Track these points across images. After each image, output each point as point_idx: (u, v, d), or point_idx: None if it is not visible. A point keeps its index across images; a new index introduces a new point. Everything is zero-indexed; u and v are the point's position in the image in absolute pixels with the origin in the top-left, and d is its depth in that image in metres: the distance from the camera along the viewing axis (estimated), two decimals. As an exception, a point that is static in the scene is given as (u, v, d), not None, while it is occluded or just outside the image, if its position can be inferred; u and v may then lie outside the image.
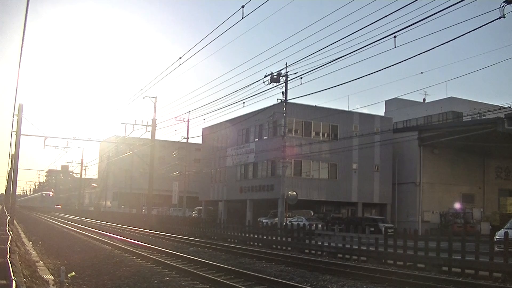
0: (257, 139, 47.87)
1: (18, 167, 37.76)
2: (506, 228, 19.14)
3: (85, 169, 77.27)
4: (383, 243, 18.22)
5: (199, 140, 60.21)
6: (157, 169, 47.44)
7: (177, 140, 53.02)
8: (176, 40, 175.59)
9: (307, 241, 22.29)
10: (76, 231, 31.09)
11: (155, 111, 40.24)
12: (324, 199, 46.11)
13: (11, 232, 19.90)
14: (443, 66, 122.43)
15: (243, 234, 27.31)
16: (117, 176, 79.58)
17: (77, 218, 62.06)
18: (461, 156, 47.19)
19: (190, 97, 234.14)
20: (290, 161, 40.62)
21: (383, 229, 31.89)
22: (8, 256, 10.59)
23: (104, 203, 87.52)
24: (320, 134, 46.30)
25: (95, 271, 13.13)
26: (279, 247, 23.41)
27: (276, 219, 35.55)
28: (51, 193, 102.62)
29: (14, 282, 7.21)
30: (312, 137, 45.24)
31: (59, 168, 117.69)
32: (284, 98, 31.71)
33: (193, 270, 13.19)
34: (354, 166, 46.67)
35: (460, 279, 13.49)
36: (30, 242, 22.80)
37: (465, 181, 48.19)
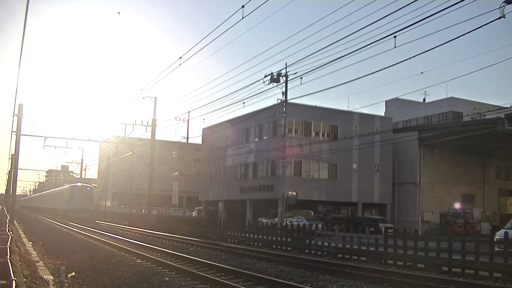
0: (257, 139, 47.88)
1: (18, 167, 37.85)
2: (506, 228, 19.16)
3: (85, 169, 77.29)
4: (383, 243, 18.23)
5: (199, 140, 60.26)
6: (157, 169, 47.43)
7: (177, 140, 53.02)
8: (176, 40, 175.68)
9: (307, 241, 22.27)
10: (76, 231, 31.08)
11: (155, 111, 40.25)
12: (324, 199, 46.10)
13: (11, 232, 19.90)
14: (443, 66, 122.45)
15: (243, 234, 27.29)
16: (117, 176, 79.55)
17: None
18: (461, 156, 47.19)
19: (190, 97, 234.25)
20: (290, 161, 40.62)
21: (383, 229, 31.89)
22: (8, 256, 10.59)
23: (104, 203, 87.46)
24: (320, 134, 46.30)
25: (95, 271, 13.13)
26: (279, 247, 23.40)
27: (276, 219, 35.54)
28: (88, 186, 59.37)
29: (14, 282, 7.21)
30: (312, 137, 45.24)
31: (59, 168, 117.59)
32: (284, 98, 31.71)
33: (193, 270, 13.18)
34: (354, 166, 46.67)
35: (460, 279, 13.49)
36: (30, 242, 22.81)
37: (465, 181, 48.19)
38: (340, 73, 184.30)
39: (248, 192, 47.91)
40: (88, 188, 57.08)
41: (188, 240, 26.16)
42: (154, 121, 40.15)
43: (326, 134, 46.57)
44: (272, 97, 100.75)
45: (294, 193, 35.25)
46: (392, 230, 25.85)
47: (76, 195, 54.72)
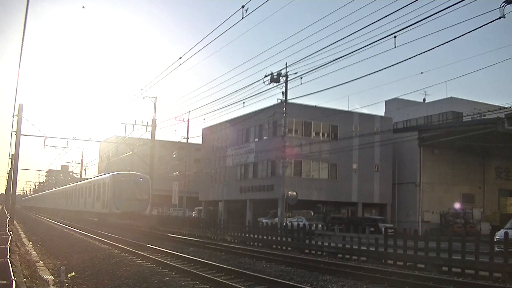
0: (257, 139, 47.89)
1: (18, 167, 37.85)
2: (506, 228, 19.17)
3: (85, 169, 77.13)
4: (383, 243, 18.22)
5: (199, 140, 60.29)
6: (157, 169, 47.41)
7: (177, 140, 53.05)
8: (176, 40, 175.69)
9: (307, 241, 22.28)
10: (76, 231, 31.07)
11: (155, 111, 40.23)
12: (324, 199, 46.12)
13: (11, 232, 19.90)
14: (443, 66, 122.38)
15: (243, 234, 27.29)
16: (117, 176, 79.27)
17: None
18: (461, 156, 47.22)
19: (190, 97, 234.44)
20: (290, 161, 40.64)
21: (383, 229, 31.93)
22: (8, 256, 10.58)
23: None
24: (320, 134, 46.32)
25: (95, 271, 13.12)
26: (279, 247, 23.39)
27: (276, 219, 35.55)
28: (140, 175, 38.83)
29: (14, 282, 7.21)
30: (312, 137, 45.26)
31: (59, 168, 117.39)
32: (284, 98, 31.74)
33: (193, 270, 13.18)
34: (354, 166, 46.69)
35: (460, 279, 13.49)
36: (30, 242, 22.79)
37: (465, 181, 48.21)
38: (340, 73, 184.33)
39: (248, 192, 47.91)
40: (141, 179, 37.19)
41: (188, 240, 26.15)
42: (154, 121, 40.16)
43: (326, 134, 46.61)
44: (272, 97, 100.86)
45: (294, 193, 35.26)
46: (392, 230, 25.88)
47: (123, 190, 35.27)
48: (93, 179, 46.34)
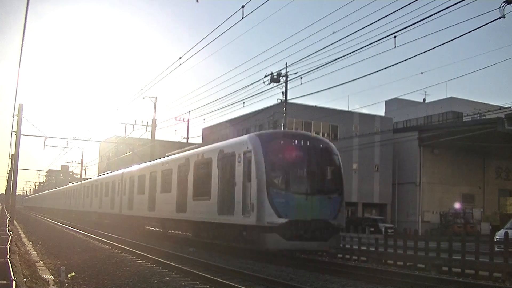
0: (257, 139, 47.86)
1: (18, 167, 37.85)
2: (506, 228, 19.16)
3: (85, 169, 77.13)
4: (383, 243, 18.24)
5: (199, 140, 60.18)
6: (157, 169, 47.18)
7: (177, 140, 53.01)
8: (176, 40, 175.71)
9: (307, 241, 22.22)
10: (76, 231, 31.07)
11: (155, 111, 40.23)
12: (324, 199, 46.06)
13: (11, 232, 19.89)
14: (443, 66, 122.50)
15: (243, 234, 27.24)
16: (117, 176, 79.03)
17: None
18: (461, 156, 47.23)
19: (190, 97, 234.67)
20: (290, 161, 40.59)
21: (383, 229, 31.94)
22: (8, 256, 10.59)
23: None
24: (320, 134, 46.28)
25: (95, 271, 13.12)
26: (279, 247, 23.34)
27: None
28: (322, 140, 18.31)
29: (14, 282, 7.21)
30: (312, 137, 45.24)
31: (59, 168, 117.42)
32: (284, 98, 31.75)
33: (193, 270, 13.16)
34: (354, 166, 46.68)
35: (460, 279, 13.49)
36: (30, 242, 22.80)
37: (465, 181, 48.22)
38: (340, 73, 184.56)
39: (248, 192, 47.89)
40: (321, 146, 17.91)
41: (188, 240, 26.12)
42: (154, 121, 40.18)
43: (326, 134, 46.59)
44: (272, 97, 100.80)
45: (294, 193, 35.12)
46: (392, 230, 25.91)
47: (289, 170, 16.41)
48: (178, 155, 23.41)
